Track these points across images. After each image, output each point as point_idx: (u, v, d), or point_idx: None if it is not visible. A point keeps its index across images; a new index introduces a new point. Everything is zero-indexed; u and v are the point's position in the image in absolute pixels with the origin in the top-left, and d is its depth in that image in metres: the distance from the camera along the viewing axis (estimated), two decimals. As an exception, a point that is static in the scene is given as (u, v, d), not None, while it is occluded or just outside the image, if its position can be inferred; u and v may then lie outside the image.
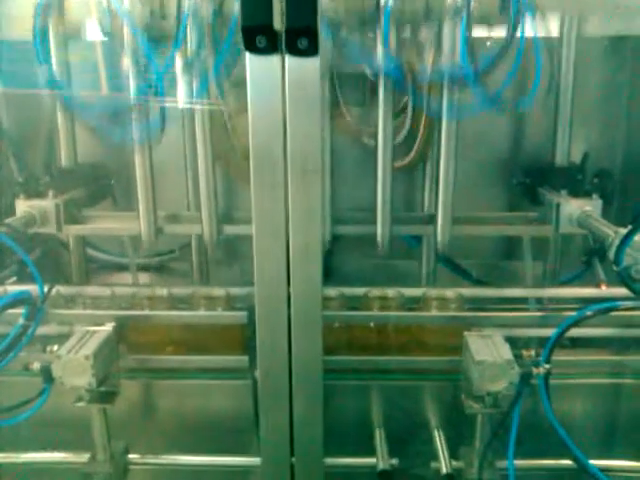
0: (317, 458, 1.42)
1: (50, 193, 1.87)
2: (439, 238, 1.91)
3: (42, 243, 2.00)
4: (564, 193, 1.93)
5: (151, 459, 1.69)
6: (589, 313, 1.49)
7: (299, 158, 1.21)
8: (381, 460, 1.66)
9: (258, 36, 1.14)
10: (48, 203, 1.85)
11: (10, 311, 1.53)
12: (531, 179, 2.11)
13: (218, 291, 1.79)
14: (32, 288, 1.58)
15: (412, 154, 2.13)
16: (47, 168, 2.06)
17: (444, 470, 1.65)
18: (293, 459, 1.43)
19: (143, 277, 2.42)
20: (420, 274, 2.27)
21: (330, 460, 1.50)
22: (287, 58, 1.16)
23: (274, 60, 1.17)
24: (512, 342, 1.55)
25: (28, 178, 2.01)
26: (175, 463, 1.67)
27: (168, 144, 2.07)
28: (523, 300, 1.87)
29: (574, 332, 1.50)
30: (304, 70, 1.17)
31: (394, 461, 1.66)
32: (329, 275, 2.18)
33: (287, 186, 1.22)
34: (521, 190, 2.16)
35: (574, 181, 1.98)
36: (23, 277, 1.66)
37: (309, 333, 1.31)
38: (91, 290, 1.81)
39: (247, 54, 1.16)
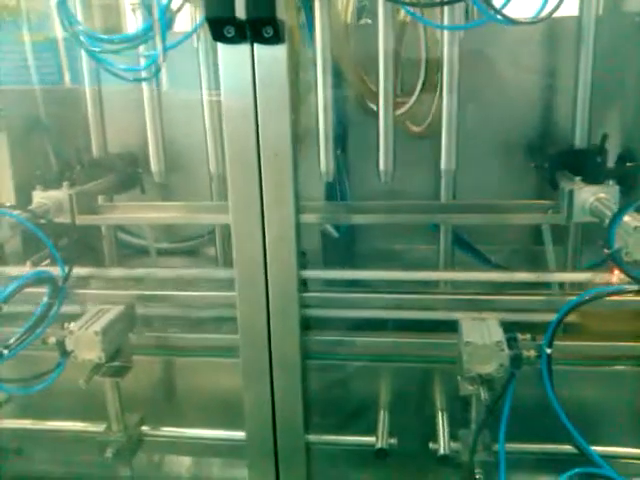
0: (298, 434, 1.47)
1: (65, 184, 1.94)
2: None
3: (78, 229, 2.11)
4: (578, 180, 1.81)
5: (163, 431, 1.79)
6: (587, 297, 1.48)
7: (270, 143, 1.25)
8: (380, 439, 1.67)
9: (226, 26, 1.18)
10: (62, 194, 1.93)
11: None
12: (549, 162, 2.05)
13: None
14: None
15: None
16: (79, 158, 2.18)
17: (442, 451, 1.66)
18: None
19: (175, 261, 2.56)
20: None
21: (314, 437, 1.53)
22: (256, 46, 1.21)
23: (243, 49, 1.22)
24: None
25: (63, 168, 2.16)
26: (180, 435, 1.76)
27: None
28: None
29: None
30: (273, 58, 1.21)
31: (393, 440, 1.67)
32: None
33: (260, 170, 1.27)
34: (541, 174, 2.12)
35: (593, 165, 1.92)
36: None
37: (286, 313, 1.35)
38: (112, 272, 1.91)
39: (218, 44, 1.22)
